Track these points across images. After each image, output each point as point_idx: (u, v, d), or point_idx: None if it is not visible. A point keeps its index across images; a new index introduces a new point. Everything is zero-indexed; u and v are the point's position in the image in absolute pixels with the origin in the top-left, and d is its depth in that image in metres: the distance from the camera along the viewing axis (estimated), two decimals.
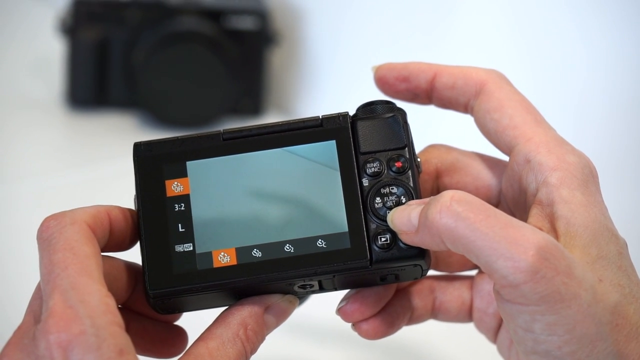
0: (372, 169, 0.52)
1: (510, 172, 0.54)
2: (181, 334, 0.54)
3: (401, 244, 0.51)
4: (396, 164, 0.52)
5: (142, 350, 0.53)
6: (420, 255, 0.51)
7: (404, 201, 0.52)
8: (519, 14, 0.92)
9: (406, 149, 0.53)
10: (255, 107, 1.18)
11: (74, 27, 1.15)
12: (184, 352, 0.50)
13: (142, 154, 0.53)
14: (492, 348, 0.58)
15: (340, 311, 0.54)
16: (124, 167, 0.59)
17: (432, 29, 1.00)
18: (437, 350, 0.79)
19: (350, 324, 0.55)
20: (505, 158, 0.55)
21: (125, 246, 0.52)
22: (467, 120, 0.57)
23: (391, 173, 0.52)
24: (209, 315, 0.52)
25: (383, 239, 0.51)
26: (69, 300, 0.45)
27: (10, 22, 1.38)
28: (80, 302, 0.45)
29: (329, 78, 1.17)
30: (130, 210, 0.52)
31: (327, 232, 0.51)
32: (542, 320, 0.46)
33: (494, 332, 0.57)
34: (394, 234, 0.51)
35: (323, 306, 0.61)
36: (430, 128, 0.81)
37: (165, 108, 1.15)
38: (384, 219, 0.51)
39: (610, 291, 0.47)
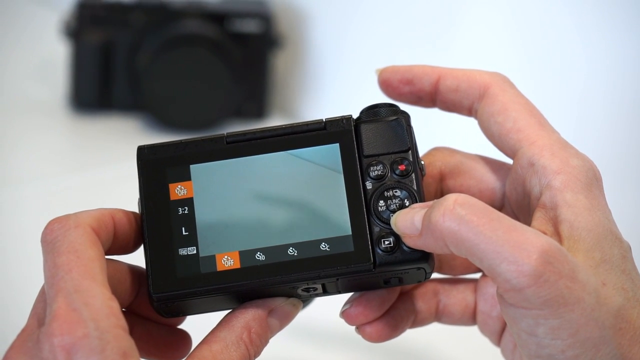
0: (376, 172, 0.52)
1: (514, 176, 0.54)
2: (185, 337, 0.54)
3: (405, 247, 0.51)
4: (400, 167, 0.52)
5: (145, 353, 0.53)
6: (423, 258, 0.51)
7: (407, 204, 0.52)
8: (522, 19, 0.92)
9: (410, 152, 0.53)
10: (258, 110, 1.18)
11: (78, 30, 1.16)
12: (187, 355, 0.50)
13: (146, 157, 0.53)
14: (496, 351, 0.58)
15: (344, 314, 0.54)
16: (128, 170, 0.59)
17: (436, 32, 1.00)
18: (441, 353, 0.79)
19: (354, 327, 0.55)
20: (509, 161, 0.55)
21: (129, 249, 0.52)
22: (471, 123, 0.57)
23: (395, 176, 0.52)
24: (212, 319, 0.52)
25: (386, 242, 0.51)
26: (73, 303, 0.45)
27: (14, 25, 1.38)
28: (84, 305, 0.45)
29: (332, 81, 1.17)
30: (134, 213, 0.52)
31: (330, 235, 0.51)
32: (546, 324, 0.46)
33: (498, 336, 0.57)
34: (397, 237, 0.51)
35: (327, 309, 0.61)
36: (434, 131, 0.81)
37: (169, 111, 1.15)
38: (387, 222, 0.51)
39: (613, 295, 0.47)
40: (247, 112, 1.18)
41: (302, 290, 0.52)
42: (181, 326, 0.55)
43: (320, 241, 0.51)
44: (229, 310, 0.52)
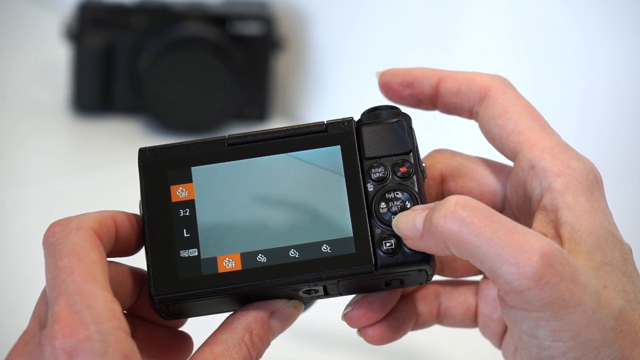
0: (377, 174, 0.52)
1: (514, 178, 0.54)
2: (186, 339, 0.54)
3: (406, 249, 0.51)
4: (401, 169, 0.52)
5: (147, 356, 0.53)
6: (425, 260, 0.51)
7: (408, 206, 0.52)
8: (523, 21, 0.92)
9: (411, 154, 0.53)
10: (260, 112, 1.19)
11: (79, 33, 1.16)
12: (189, 357, 0.50)
13: (147, 159, 0.53)
14: (497, 354, 0.58)
15: (346, 317, 0.54)
16: (129, 172, 0.59)
17: (437, 35, 1.00)
18: (443, 356, 0.79)
19: (355, 330, 0.55)
20: (510, 163, 0.55)
21: (131, 251, 0.52)
22: (472, 125, 0.57)
23: (396, 178, 0.52)
24: (213, 321, 0.52)
25: (388, 244, 0.51)
26: (75, 306, 0.45)
27: (16, 27, 1.39)
28: (86, 308, 0.45)
29: (333, 83, 1.17)
30: (135, 215, 0.52)
31: (332, 237, 0.51)
32: (547, 326, 0.46)
33: (499, 338, 0.57)
34: (398, 239, 0.51)
35: (328, 311, 0.61)
36: (435, 133, 0.81)
37: (171, 113, 1.15)
38: (388, 224, 0.51)
39: (614, 297, 0.47)
40: (249, 114, 1.18)
41: (304, 292, 0.52)
42: (182, 328, 0.55)
43: (321, 243, 0.51)
44: (230, 313, 0.52)
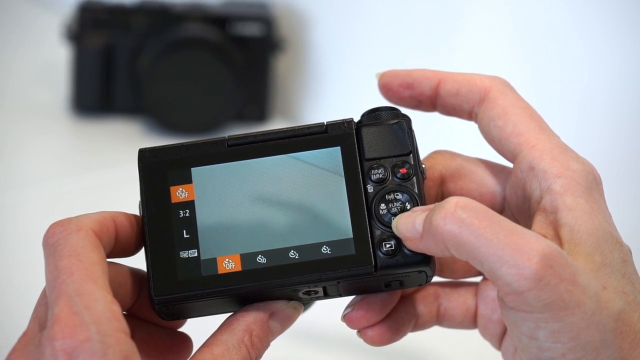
0: (377, 175, 0.52)
1: (514, 179, 0.54)
2: (186, 340, 0.54)
3: (406, 251, 0.51)
4: (401, 170, 0.52)
5: (147, 356, 0.53)
6: (424, 261, 0.51)
7: (408, 207, 0.52)
8: (523, 23, 0.92)
9: (411, 155, 0.53)
10: (260, 113, 1.19)
11: (79, 34, 1.16)
12: (188, 358, 0.50)
13: (147, 160, 0.53)
14: (497, 355, 0.58)
15: (345, 318, 0.54)
16: (129, 173, 0.59)
17: (438, 36, 1.00)
18: (442, 357, 0.79)
19: (355, 331, 0.55)
20: (510, 165, 0.55)
21: (131, 252, 0.52)
22: (472, 127, 0.57)
23: (396, 179, 0.52)
24: (213, 322, 0.52)
25: (388, 245, 0.51)
26: (75, 307, 0.45)
27: (16, 28, 1.39)
28: (86, 309, 0.45)
29: (334, 84, 1.17)
30: (135, 216, 0.52)
31: (331, 239, 0.51)
32: (546, 327, 0.46)
33: (499, 339, 0.57)
34: (398, 241, 0.51)
35: (328, 312, 0.61)
36: (435, 134, 0.81)
37: (170, 114, 1.15)
38: (388, 226, 0.51)
39: (614, 299, 0.47)
40: (249, 115, 1.18)
41: (303, 293, 0.52)
42: (182, 329, 0.55)
43: (321, 244, 0.51)
44: (230, 313, 0.52)
